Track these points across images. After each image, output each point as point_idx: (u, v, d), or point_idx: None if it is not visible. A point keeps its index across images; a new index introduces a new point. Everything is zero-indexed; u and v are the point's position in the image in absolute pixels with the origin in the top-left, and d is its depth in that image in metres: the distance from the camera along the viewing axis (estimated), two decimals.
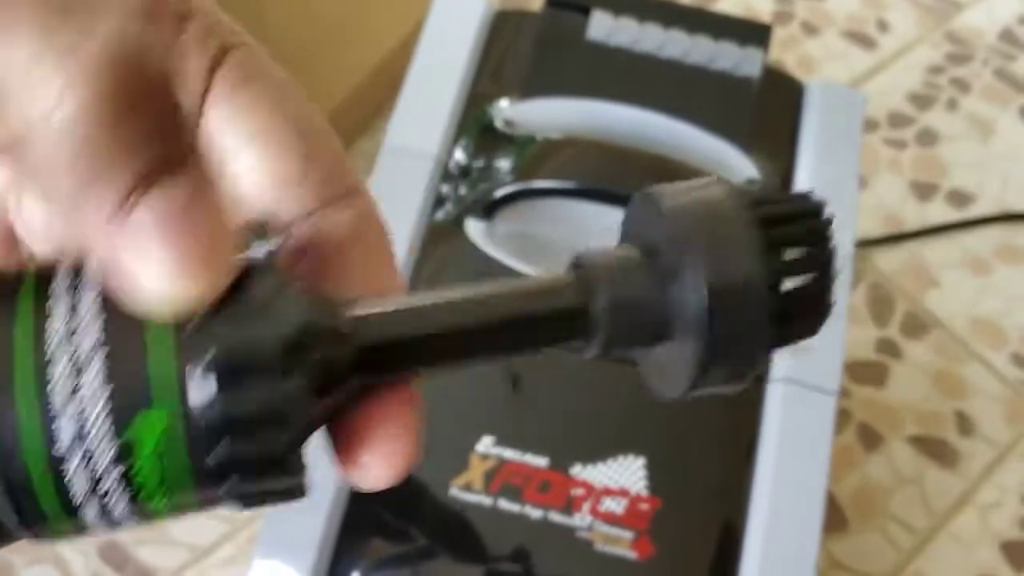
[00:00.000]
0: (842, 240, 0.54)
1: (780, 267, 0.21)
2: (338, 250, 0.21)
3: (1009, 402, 0.79)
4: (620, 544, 0.46)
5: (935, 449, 0.77)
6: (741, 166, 0.56)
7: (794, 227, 0.21)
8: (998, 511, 0.75)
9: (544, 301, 0.21)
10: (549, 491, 0.47)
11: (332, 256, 0.21)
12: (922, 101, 0.95)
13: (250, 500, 0.20)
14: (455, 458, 0.47)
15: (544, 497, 0.46)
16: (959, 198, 0.90)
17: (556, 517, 0.46)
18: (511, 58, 0.59)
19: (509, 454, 0.47)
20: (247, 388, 0.18)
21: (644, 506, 0.47)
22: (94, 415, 0.18)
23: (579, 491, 0.47)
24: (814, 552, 0.47)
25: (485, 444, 0.47)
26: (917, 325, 0.82)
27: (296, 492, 0.20)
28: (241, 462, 0.19)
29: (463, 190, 0.54)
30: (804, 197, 0.22)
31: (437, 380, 0.48)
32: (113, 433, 0.18)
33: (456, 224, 0.53)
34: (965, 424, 0.78)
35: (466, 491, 0.46)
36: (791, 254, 0.21)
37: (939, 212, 0.89)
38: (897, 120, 0.94)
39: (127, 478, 0.18)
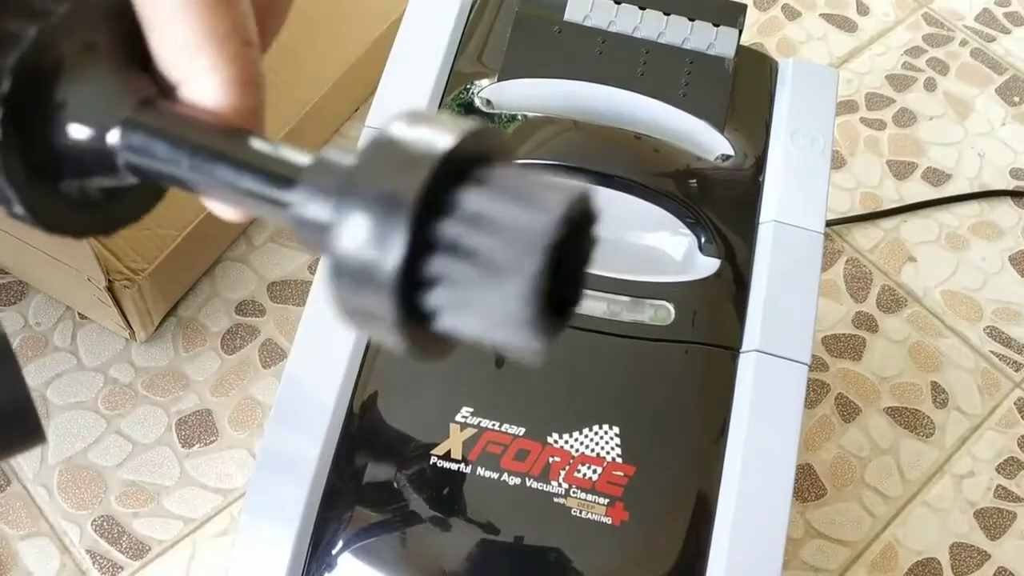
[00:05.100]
0: (814, 215, 0.55)
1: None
2: None
3: (983, 374, 0.80)
4: (595, 510, 0.47)
5: (911, 420, 0.78)
6: (716, 143, 0.57)
7: None
8: (972, 480, 0.76)
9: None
10: (526, 459, 0.48)
11: None
12: (901, 82, 0.96)
13: None
14: (435, 428, 0.48)
15: (521, 465, 0.47)
16: (936, 176, 0.91)
17: (533, 484, 0.47)
18: (492, 38, 0.60)
19: (487, 423, 0.48)
20: None
21: (618, 473, 0.48)
22: None
23: (555, 459, 0.48)
24: (785, 518, 0.48)
25: (464, 414, 0.48)
26: (893, 300, 0.83)
27: None
28: None
29: None
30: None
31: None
32: None
33: None
34: (940, 396, 0.79)
35: (445, 460, 0.48)
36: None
37: (916, 190, 0.90)
38: (876, 101, 0.95)
39: None
